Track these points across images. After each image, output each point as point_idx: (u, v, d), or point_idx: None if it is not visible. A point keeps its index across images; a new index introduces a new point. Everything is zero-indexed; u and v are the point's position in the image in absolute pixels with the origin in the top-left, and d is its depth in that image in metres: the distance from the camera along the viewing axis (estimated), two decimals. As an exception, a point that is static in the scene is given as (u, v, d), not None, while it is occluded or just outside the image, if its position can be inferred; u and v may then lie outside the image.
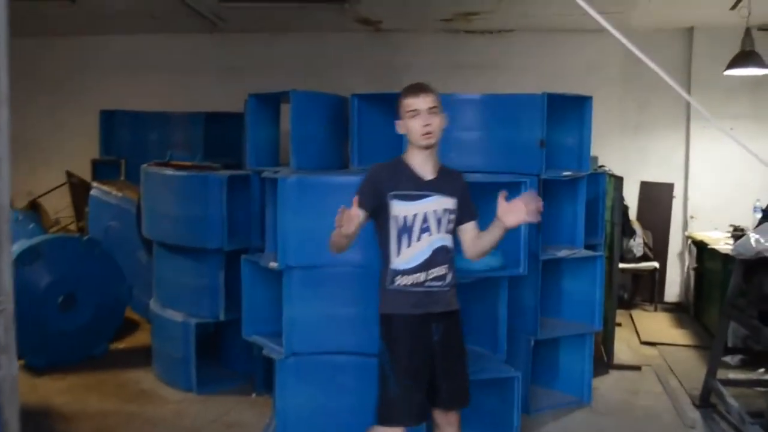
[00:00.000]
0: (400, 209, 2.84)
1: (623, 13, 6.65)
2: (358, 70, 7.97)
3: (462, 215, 2.96)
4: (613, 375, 5.21)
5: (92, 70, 8.56)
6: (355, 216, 2.69)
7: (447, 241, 2.91)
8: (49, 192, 8.58)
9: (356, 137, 4.48)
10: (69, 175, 8.13)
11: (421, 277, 2.84)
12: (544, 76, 7.56)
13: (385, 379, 2.85)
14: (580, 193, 4.50)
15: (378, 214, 2.87)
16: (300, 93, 4.20)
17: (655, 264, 7.26)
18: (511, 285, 3.92)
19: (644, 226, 7.43)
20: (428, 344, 2.87)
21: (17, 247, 5.16)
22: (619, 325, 6.19)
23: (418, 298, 2.84)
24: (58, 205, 8.74)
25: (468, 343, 3.89)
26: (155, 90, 8.34)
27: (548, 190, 4.27)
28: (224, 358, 5.08)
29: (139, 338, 5.83)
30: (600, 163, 6.67)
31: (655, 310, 7.33)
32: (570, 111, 4.54)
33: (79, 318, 5.19)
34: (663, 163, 7.73)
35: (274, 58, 8.16)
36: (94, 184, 6.44)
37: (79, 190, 7.98)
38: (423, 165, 2.90)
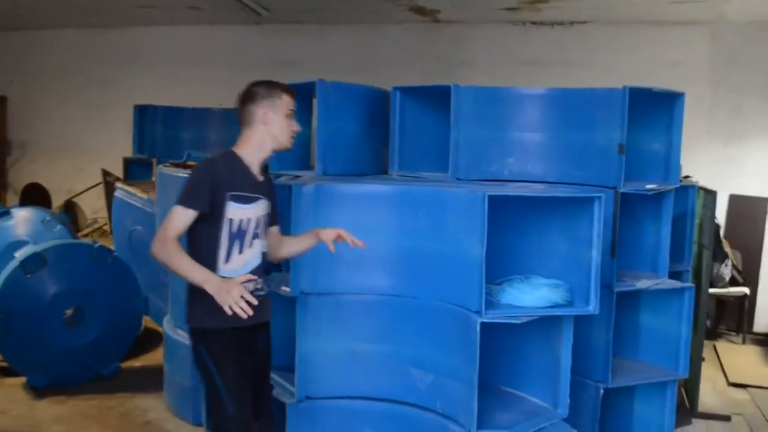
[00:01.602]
0: (236, 212, 2.63)
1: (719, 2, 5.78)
2: (414, 66, 7.33)
3: (271, 219, 2.85)
4: (698, 425, 4.41)
5: (132, 63, 8.20)
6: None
7: (266, 246, 2.80)
8: (84, 192, 8.23)
9: (397, 138, 3.83)
10: (105, 173, 7.74)
11: (251, 285, 2.59)
12: (621, 74, 6.67)
13: (218, 399, 2.62)
14: (665, 211, 3.71)
15: (207, 214, 2.58)
16: (327, 84, 3.55)
17: (746, 290, 6.33)
18: (576, 320, 3.16)
19: (732, 246, 6.51)
20: (253, 353, 2.74)
21: (23, 253, 4.70)
22: (703, 359, 5.33)
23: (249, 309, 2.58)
24: (97, 205, 8.39)
25: (522, 391, 3.22)
26: (195, 85, 7.89)
27: (627, 206, 3.51)
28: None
29: (158, 355, 5.28)
30: (684, 173, 5.81)
31: (743, 342, 6.42)
32: (655, 111, 3.76)
33: (87, 334, 4.70)
34: (757, 174, 6.79)
35: (323, 53, 7.60)
36: (118, 184, 5.97)
37: (114, 189, 7.59)
38: (260, 166, 2.76)
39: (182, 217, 2.54)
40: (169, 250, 2.49)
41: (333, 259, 3.04)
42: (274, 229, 2.89)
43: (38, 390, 4.55)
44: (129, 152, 7.67)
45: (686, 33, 6.61)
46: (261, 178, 2.74)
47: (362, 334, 3.12)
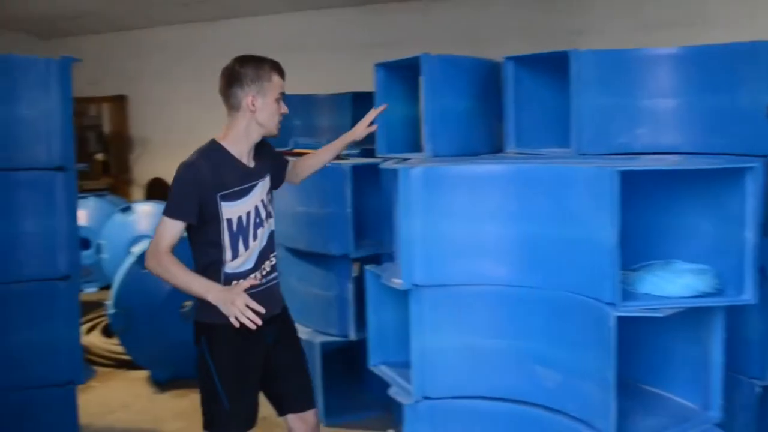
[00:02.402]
0: (232, 211, 2.48)
1: None
2: (524, 38, 6.92)
3: (277, 179, 2.79)
4: None
5: (237, 54, 8.23)
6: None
7: (273, 224, 2.67)
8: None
9: (513, 112, 3.54)
10: (220, 165, 7.85)
11: (257, 275, 2.54)
12: (755, 34, 6.06)
13: (213, 394, 2.51)
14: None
15: (201, 220, 2.45)
16: (433, 58, 3.30)
17: None
18: (726, 309, 2.78)
19: None
20: (259, 349, 2.59)
21: (140, 248, 4.76)
22: None
23: (256, 300, 2.37)
24: (217, 196, 8.54)
25: (666, 390, 2.88)
26: (300, 72, 7.76)
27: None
28: (361, 381, 4.33)
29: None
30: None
31: None
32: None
33: (204, 327, 4.69)
34: None
35: (426, 30, 7.35)
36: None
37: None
38: (250, 152, 2.57)
39: (172, 228, 2.43)
40: (165, 265, 2.40)
41: (447, 249, 2.81)
42: (298, 162, 2.97)
43: (160, 384, 4.60)
44: (240, 143, 7.74)
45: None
46: (254, 163, 2.58)
47: (482, 329, 2.87)
